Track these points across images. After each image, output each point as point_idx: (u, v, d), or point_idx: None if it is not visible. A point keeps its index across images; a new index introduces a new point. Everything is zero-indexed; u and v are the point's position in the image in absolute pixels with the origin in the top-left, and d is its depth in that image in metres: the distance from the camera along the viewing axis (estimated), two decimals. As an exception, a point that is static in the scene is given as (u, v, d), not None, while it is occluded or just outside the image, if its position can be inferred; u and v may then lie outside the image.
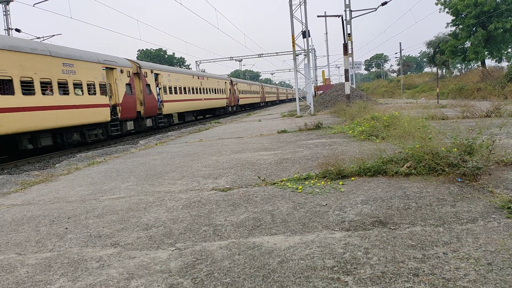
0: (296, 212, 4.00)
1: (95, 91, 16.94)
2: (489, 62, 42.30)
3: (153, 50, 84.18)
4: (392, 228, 3.35)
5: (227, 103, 39.07)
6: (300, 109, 23.96)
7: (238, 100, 42.19)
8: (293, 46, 22.03)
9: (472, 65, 51.36)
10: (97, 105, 16.92)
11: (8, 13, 28.87)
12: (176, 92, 26.19)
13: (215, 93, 35.39)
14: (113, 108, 18.20)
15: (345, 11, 24.84)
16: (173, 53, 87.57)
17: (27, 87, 13.12)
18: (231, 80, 41.93)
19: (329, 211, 3.96)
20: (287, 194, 4.76)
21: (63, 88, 15.00)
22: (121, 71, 19.16)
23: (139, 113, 20.84)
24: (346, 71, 22.06)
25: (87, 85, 16.42)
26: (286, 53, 51.93)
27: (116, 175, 7.29)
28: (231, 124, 21.55)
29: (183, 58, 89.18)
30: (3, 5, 28.60)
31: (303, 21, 22.55)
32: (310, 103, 24.73)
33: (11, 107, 12.34)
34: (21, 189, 6.88)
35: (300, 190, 4.83)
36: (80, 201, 5.43)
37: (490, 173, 4.77)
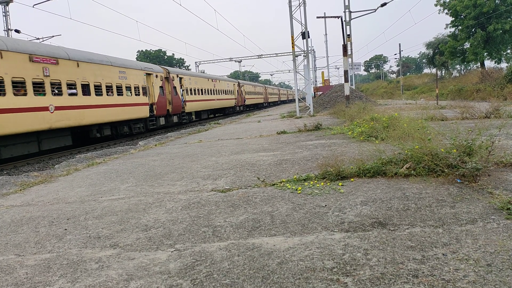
0: (296, 213, 4.00)
1: (139, 92, 21.06)
2: (489, 63, 42.40)
3: (153, 51, 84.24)
4: (392, 229, 3.35)
5: (235, 103, 42.88)
6: (299, 110, 23.97)
7: (245, 100, 45.55)
8: (293, 47, 22.04)
9: (472, 66, 51.41)
10: (140, 104, 21.11)
11: (8, 13, 28.86)
12: (195, 93, 30.33)
13: (226, 94, 39.44)
14: (151, 107, 22.35)
15: (344, 12, 24.88)
16: (173, 53, 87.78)
17: (97, 90, 17.46)
18: (238, 82, 45.45)
19: (328, 212, 3.96)
20: (287, 195, 4.76)
21: (119, 90, 19.17)
22: (156, 76, 23.22)
23: (168, 111, 24.62)
24: (346, 72, 22.08)
25: (134, 87, 20.62)
26: (285, 54, 52.05)
27: (115, 176, 7.29)
28: (231, 125, 21.55)
29: (183, 59, 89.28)
30: (3, 6, 28.61)
31: (303, 22, 22.58)
32: (309, 104, 24.75)
33: (89, 104, 16.80)
34: (20, 190, 6.87)
35: (300, 191, 4.83)
36: (79, 202, 5.43)
37: (489, 174, 4.78)
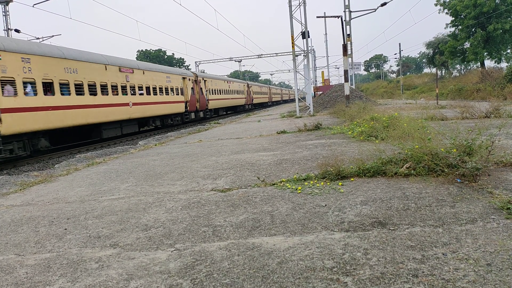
0: (296, 213, 4.00)
1: (178, 92, 27.00)
2: (489, 63, 42.39)
3: (153, 50, 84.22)
4: (392, 228, 3.35)
5: (245, 102, 48.35)
6: (299, 109, 23.97)
7: (253, 99, 50.03)
8: (293, 46, 22.04)
9: (472, 66, 51.40)
10: (179, 102, 26.94)
11: (8, 13, 28.86)
12: (215, 93, 35.77)
13: (238, 94, 45.14)
14: (185, 104, 28.11)
15: (344, 11, 24.89)
16: (173, 53, 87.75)
17: (154, 91, 23.49)
18: (247, 84, 51.27)
19: (328, 211, 3.96)
20: (287, 194, 4.76)
21: (166, 91, 25.15)
22: (189, 79, 29.13)
23: (196, 108, 30.47)
24: (346, 71, 22.08)
25: (175, 89, 26.57)
26: (285, 53, 52.08)
27: (115, 176, 7.29)
28: (231, 124, 21.55)
29: (183, 59, 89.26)
30: (3, 6, 28.61)
31: (303, 21, 22.57)
32: (309, 104, 24.74)
33: (150, 102, 22.75)
34: (20, 189, 6.87)
35: (300, 191, 4.83)
36: (79, 201, 5.43)
37: (489, 174, 4.78)
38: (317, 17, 32.45)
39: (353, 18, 25.72)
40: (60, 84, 15.25)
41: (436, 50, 53.70)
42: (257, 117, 26.53)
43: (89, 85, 17.08)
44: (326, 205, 4.19)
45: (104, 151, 14.51)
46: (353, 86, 37.41)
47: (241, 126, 18.99)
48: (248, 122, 21.47)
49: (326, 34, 49.93)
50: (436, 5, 39.89)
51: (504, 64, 40.20)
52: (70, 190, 6.35)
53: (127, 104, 19.96)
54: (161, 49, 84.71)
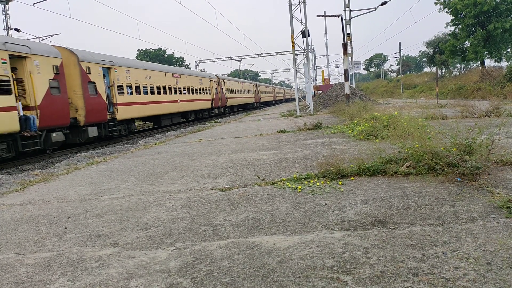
0: (296, 212, 4.00)
1: (207, 92, 33.53)
2: (489, 62, 42.34)
3: (153, 49, 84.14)
4: (392, 227, 3.35)
5: (254, 100, 53.80)
6: (299, 108, 23.96)
7: (260, 98, 55.16)
8: (293, 45, 22.03)
9: (472, 65, 51.35)
10: (207, 99, 33.47)
11: (8, 12, 28.84)
12: (232, 93, 42.14)
13: (248, 93, 50.80)
14: (211, 101, 34.51)
15: (344, 10, 24.86)
16: (173, 52, 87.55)
17: (192, 91, 29.69)
18: (256, 84, 56.87)
19: (328, 210, 3.96)
20: (287, 194, 4.76)
21: (198, 91, 31.34)
22: (214, 81, 35.66)
23: (219, 105, 36.68)
24: (346, 70, 22.06)
25: (205, 89, 32.96)
26: (285, 53, 52.09)
27: (115, 175, 7.29)
28: (231, 124, 21.54)
29: (183, 58, 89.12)
30: (2, 5, 28.58)
31: (303, 20, 22.55)
32: (309, 103, 24.73)
33: (189, 99, 28.98)
34: (20, 188, 6.87)
35: (300, 190, 4.83)
36: (79, 200, 5.43)
37: (489, 173, 4.78)
38: (317, 16, 32.43)
39: (353, 17, 25.71)
40: (143, 87, 21.74)
41: (436, 49, 53.68)
42: (257, 116, 26.53)
43: (156, 87, 23.61)
44: (326, 204, 4.19)
45: (104, 150, 14.51)
46: (353, 85, 37.39)
47: (241, 125, 18.99)
48: (248, 121, 21.47)
49: (326, 33, 49.90)
50: (436, 4, 39.84)
51: (504, 63, 40.16)
52: (70, 189, 6.35)
53: (176, 101, 26.70)
54: (161, 48, 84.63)
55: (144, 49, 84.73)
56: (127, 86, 19.81)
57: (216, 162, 7.71)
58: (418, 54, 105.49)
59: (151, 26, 79.82)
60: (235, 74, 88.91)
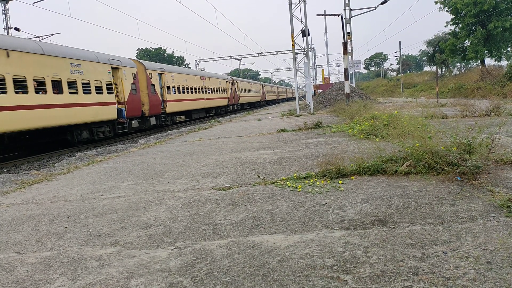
0: (296, 211, 4.00)
1: (224, 92, 39.44)
2: (489, 61, 42.31)
3: (153, 49, 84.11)
4: (392, 227, 3.35)
5: (260, 99, 60.39)
6: (299, 108, 23.95)
7: (266, 97, 60.27)
8: (293, 45, 22.01)
9: (472, 64, 51.32)
10: (224, 98, 39.52)
11: (7, 11, 28.82)
12: (243, 92, 48.39)
13: (256, 92, 57.26)
14: (227, 99, 40.49)
15: (344, 10, 24.84)
16: (173, 52, 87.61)
17: (212, 91, 35.41)
18: (262, 84, 63.72)
19: (328, 210, 3.96)
20: (287, 193, 4.77)
21: (217, 90, 36.82)
22: (229, 82, 41.84)
23: (233, 102, 43.20)
24: (346, 70, 22.05)
25: (222, 89, 38.89)
26: (285, 52, 52.12)
27: (115, 174, 7.29)
28: (231, 123, 21.54)
29: (183, 57, 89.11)
30: (2, 4, 28.57)
31: (303, 20, 22.53)
32: (309, 102, 24.72)
33: (211, 97, 34.85)
34: (20, 188, 6.88)
35: (300, 189, 4.83)
36: (79, 200, 5.43)
37: (489, 172, 4.78)
38: (317, 15, 32.38)
39: (353, 16, 25.69)
40: (182, 87, 27.84)
41: (436, 48, 53.61)
42: (257, 116, 26.53)
43: (190, 88, 29.52)
44: (326, 203, 4.19)
45: (104, 150, 14.51)
46: (353, 85, 37.35)
47: (241, 124, 18.98)
48: (248, 121, 21.47)
49: (326, 32, 49.85)
50: (436, 3, 39.80)
51: (504, 62, 40.06)
52: (71, 188, 6.35)
53: (203, 99, 32.73)
54: (161, 48, 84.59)
55: (144, 48, 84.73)
56: (172, 87, 25.91)
57: (216, 161, 7.71)
58: (418, 53, 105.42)
59: (151, 25, 79.90)
60: (235, 73, 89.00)
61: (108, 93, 18.09)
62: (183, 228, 3.80)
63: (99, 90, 17.47)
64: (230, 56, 55.87)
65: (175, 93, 26.39)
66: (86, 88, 16.68)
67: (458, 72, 56.52)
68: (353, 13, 25.21)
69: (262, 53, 53.49)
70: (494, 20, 34.85)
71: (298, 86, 26.17)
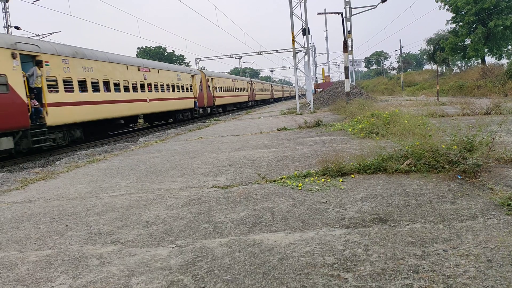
0: (296, 210, 4.01)
1: (245, 91, 49.56)
2: (489, 60, 42.26)
3: (153, 47, 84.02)
4: (392, 225, 3.35)
5: (270, 96, 69.73)
6: (299, 106, 23.94)
7: (255, 97, 61.69)
8: (293, 43, 21.99)
9: (472, 62, 51.25)
10: (245, 95, 49.34)
11: (8, 10, 28.79)
12: (258, 91, 57.98)
13: (266, 91, 66.53)
14: (248, 96, 50.25)
15: (345, 8, 24.82)
16: (173, 50, 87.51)
17: (240, 90, 47.42)
18: (271, 84, 74.77)
19: (329, 208, 3.96)
20: (287, 191, 4.77)
21: (241, 90, 47.86)
22: (249, 83, 52.12)
23: (251, 99, 53.54)
24: (346, 68, 22.03)
25: (244, 89, 49.10)
26: (285, 50, 52.19)
27: (116, 173, 7.30)
28: (231, 121, 21.54)
29: (183, 56, 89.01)
30: (2, 3, 28.53)
31: (303, 18, 22.50)
32: (309, 101, 24.71)
33: (237, 95, 45.61)
34: (21, 186, 6.88)
35: (300, 188, 4.83)
36: (80, 198, 5.44)
37: (490, 170, 4.78)
38: (318, 13, 32.34)
39: (354, 14, 25.65)
40: (221, 87, 37.65)
41: (436, 47, 53.53)
42: (257, 114, 26.52)
43: (227, 88, 40.00)
44: (326, 201, 4.19)
45: (104, 148, 14.52)
46: (354, 83, 37.33)
47: (242, 123, 18.98)
48: (249, 119, 21.46)
49: (326, 30, 49.80)
50: (436, 1, 39.76)
51: (504, 61, 40.02)
52: (71, 187, 6.36)
53: (234, 96, 42.66)
54: (161, 46, 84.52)
55: (144, 47, 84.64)
56: (217, 87, 36.48)
57: (217, 160, 7.71)
58: (419, 52, 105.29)
59: (151, 23, 79.91)
60: (236, 72, 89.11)
61: (189, 91, 29.80)
62: (184, 227, 3.81)
63: (186, 90, 29.03)
64: (230, 55, 55.86)
65: (218, 91, 37.05)
66: (181, 88, 28.22)
67: (458, 71, 56.41)
68: (353, 11, 25.18)
69: (262, 51, 53.47)
70: (494, 18, 34.80)
71: (299, 85, 26.15)
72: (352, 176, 5.19)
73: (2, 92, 12.17)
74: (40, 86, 13.96)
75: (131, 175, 6.92)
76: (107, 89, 18.52)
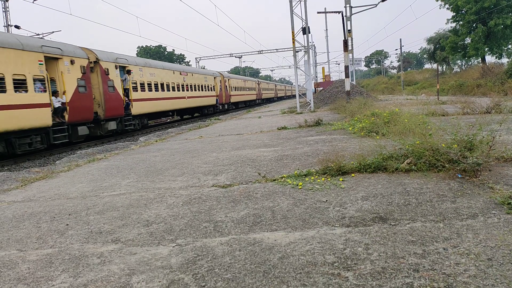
0: (297, 208, 4.01)
1: (255, 90, 54.34)
2: (489, 59, 42.26)
3: (153, 46, 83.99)
4: (393, 224, 3.35)
5: (274, 95, 74.34)
6: (300, 105, 23.93)
7: (262, 95, 65.73)
8: (293, 42, 21.98)
9: (472, 61, 51.29)
10: (255, 94, 54.89)
11: (8, 9, 28.78)
12: (264, 90, 62.67)
13: (271, 90, 71.17)
14: (256, 95, 55.13)
15: (345, 7, 24.79)
16: (173, 49, 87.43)
17: (249, 89, 51.69)
18: (275, 84, 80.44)
19: (329, 207, 3.97)
20: (287, 190, 4.77)
21: (252, 89, 52.67)
22: (256, 83, 57.05)
23: (259, 97, 58.08)
24: (346, 67, 22.01)
25: (253, 88, 54.00)
26: (286, 49, 52.07)
27: (116, 172, 7.30)
28: (231, 121, 21.54)
29: (183, 55, 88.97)
30: (2, 2, 28.53)
31: (303, 17, 22.49)
32: (310, 100, 24.71)
33: (246, 93, 50.26)
34: (21, 186, 6.89)
35: (300, 187, 4.84)
36: (80, 197, 5.44)
37: (490, 169, 4.78)
38: (318, 12, 32.36)
39: (354, 13, 25.64)
40: (235, 87, 42.37)
41: (437, 46, 53.51)
42: (257, 113, 26.51)
43: (242, 87, 45.41)
44: (327, 200, 4.19)
45: (105, 147, 14.52)
46: (354, 82, 37.31)
47: (242, 122, 18.98)
48: (249, 118, 21.46)
49: (326, 29, 49.76)
50: (437, 0, 39.75)
51: (505, 60, 40.05)
52: (72, 186, 6.36)
53: (244, 95, 46.92)
54: (161, 45, 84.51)
55: (144, 46, 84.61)
56: (232, 87, 41.43)
57: (217, 159, 7.71)
58: (419, 51, 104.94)
59: (151, 23, 79.76)
60: (236, 71, 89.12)
61: (212, 90, 34.71)
62: (184, 226, 3.81)
63: (210, 89, 34.01)
64: (230, 54, 55.81)
65: (234, 91, 42.27)
66: (207, 88, 33.47)
67: (458, 70, 56.45)
68: (353, 10, 25.17)
69: (262, 50, 53.43)
70: (495, 17, 34.79)
71: (299, 84, 26.14)
72: (353, 175, 5.19)
73: (111, 92, 18.05)
74: (128, 87, 19.89)
75: (131, 174, 6.92)
76: (162, 89, 24.21)
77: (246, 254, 3.00)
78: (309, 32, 22.97)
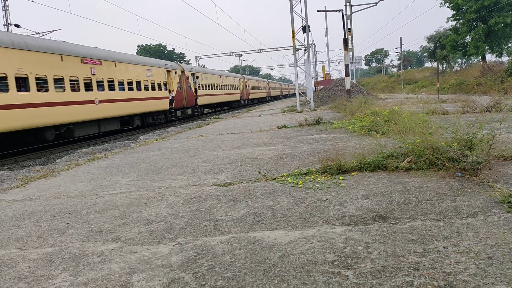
0: (297, 207, 4.01)
1: (264, 89, 64.10)
2: (490, 57, 42.26)
3: (153, 45, 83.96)
4: (393, 222, 3.35)
5: (279, 93, 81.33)
6: (300, 104, 23.92)
7: (249, 95, 67.03)
8: (293, 41, 21.96)
9: (473, 60, 51.23)
10: (264, 92, 64.14)
11: (7, 8, 28.76)
12: (272, 89, 70.11)
13: (276, 89, 77.77)
14: (266, 93, 65.77)
15: (345, 5, 24.77)
16: (173, 48, 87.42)
17: (258, 88, 60.57)
18: (280, 84, 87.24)
19: (329, 206, 3.97)
20: (288, 189, 4.77)
21: (262, 88, 62.57)
22: (266, 83, 68.46)
23: (268, 95, 68.23)
24: (346, 66, 22.00)
25: (264, 88, 64.50)
26: (286, 48, 52.00)
27: (116, 171, 7.30)
28: (231, 119, 21.53)
29: (183, 54, 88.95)
30: (2, 0, 28.49)
31: (303, 16, 22.46)
32: (310, 98, 24.70)
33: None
34: (21, 184, 6.89)
35: (301, 185, 4.84)
36: (81, 196, 5.44)
37: (490, 168, 4.78)
38: (318, 11, 32.33)
39: (354, 12, 25.63)
40: (252, 86, 54.15)
41: (437, 44, 53.46)
42: (258, 112, 26.51)
43: (262, 87, 60.73)
44: (327, 199, 4.20)
45: (105, 146, 14.53)
46: (354, 81, 37.30)
47: (242, 121, 18.98)
48: (249, 117, 21.45)
49: (326, 28, 49.73)
50: (437, -1, 39.67)
51: (505, 58, 40.06)
52: (72, 185, 6.36)
53: (265, 92, 61.66)
54: (161, 44, 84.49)
55: (144, 45, 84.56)
56: (250, 86, 48.58)
57: (217, 157, 7.72)
58: (419, 49, 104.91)
59: (151, 21, 79.85)
60: (236, 69, 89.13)
61: (237, 89, 42.08)
62: (184, 224, 3.81)
63: (236, 87, 41.87)
64: (230, 53, 55.77)
65: (252, 89, 51.61)
66: (234, 87, 41.29)
67: (459, 68, 56.38)
68: (353, 9, 25.16)
69: (262, 49, 53.39)
70: (495, 15, 34.75)
71: (299, 83, 26.13)
72: (353, 173, 5.20)
73: (190, 90, 29.45)
74: (196, 87, 30.76)
75: (131, 173, 6.92)
76: (212, 88, 35.26)
77: (246, 253, 3.00)
78: (309, 31, 22.95)
